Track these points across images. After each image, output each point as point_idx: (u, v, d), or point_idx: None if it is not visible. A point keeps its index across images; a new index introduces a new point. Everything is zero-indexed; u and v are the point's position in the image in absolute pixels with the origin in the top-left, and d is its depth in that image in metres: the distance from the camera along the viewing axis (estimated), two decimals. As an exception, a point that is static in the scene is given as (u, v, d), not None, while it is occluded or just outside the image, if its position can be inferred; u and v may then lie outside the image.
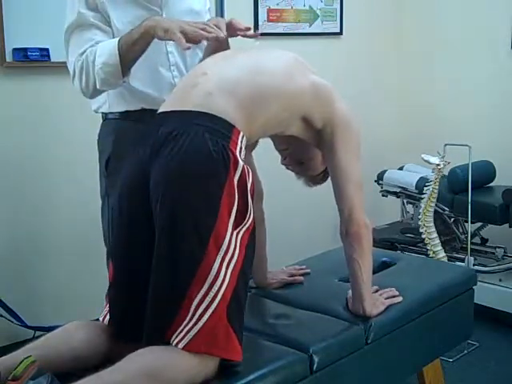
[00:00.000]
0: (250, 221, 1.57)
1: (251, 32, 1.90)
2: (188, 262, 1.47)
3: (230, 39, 1.93)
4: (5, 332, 2.81)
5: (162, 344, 1.48)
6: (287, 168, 2.00)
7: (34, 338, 1.72)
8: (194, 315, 1.47)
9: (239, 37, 1.92)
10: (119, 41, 1.89)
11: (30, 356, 1.44)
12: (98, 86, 1.94)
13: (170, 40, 1.83)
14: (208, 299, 1.47)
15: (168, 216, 1.49)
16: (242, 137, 1.59)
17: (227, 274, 1.49)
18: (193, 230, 1.47)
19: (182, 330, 1.47)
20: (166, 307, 1.49)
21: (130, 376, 1.42)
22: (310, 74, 1.80)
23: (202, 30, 1.80)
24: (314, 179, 2.03)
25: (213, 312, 1.47)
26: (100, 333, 1.62)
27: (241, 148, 1.57)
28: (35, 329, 2.80)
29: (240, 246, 1.53)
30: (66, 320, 1.67)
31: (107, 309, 1.66)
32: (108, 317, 1.65)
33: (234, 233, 1.52)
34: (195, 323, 1.47)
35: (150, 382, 1.42)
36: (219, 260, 1.48)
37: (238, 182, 1.52)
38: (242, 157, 1.57)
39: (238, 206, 1.52)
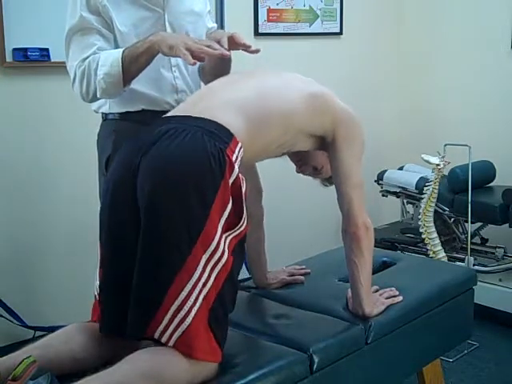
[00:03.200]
0: (242, 228, 1.57)
1: (252, 48, 1.92)
2: (174, 258, 1.45)
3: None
4: (5, 332, 2.81)
5: (144, 337, 1.48)
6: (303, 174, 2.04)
7: (34, 338, 1.73)
8: (177, 314, 1.45)
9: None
10: (123, 52, 1.90)
11: (30, 356, 1.44)
12: (98, 95, 1.95)
13: (176, 57, 1.85)
14: (191, 300, 1.45)
15: (158, 210, 1.47)
16: (240, 148, 1.58)
17: (212, 276, 1.48)
18: (183, 227, 1.45)
19: (167, 328, 1.46)
20: (148, 300, 1.47)
21: (130, 376, 1.42)
22: (305, 86, 1.80)
23: (208, 47, 1.81)
24: (330, 180, 2.04)
25: (196, 313, 1.46)
26: (100, 335, 1.62)
27: (237, 157, 1.57)
28: (35, 329, 2.80)
29: (228, 251, 1.52)
30: (66, 320, 1.67)
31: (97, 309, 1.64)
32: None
33: (224, 236, 1.51)
34: (179, 323, 1.45)
35: (150, 382, 1.42)
36: (204, 260, 1.46)
37: (232, 185, 1.52)
38: (238, 165, 1.56)
39: (230, 209, 1.51)
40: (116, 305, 1.56)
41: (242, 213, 1.55)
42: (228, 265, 1.52)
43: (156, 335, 1.47)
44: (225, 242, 1.51)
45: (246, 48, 1.91)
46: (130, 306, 1.51)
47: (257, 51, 1.91)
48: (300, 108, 1.74)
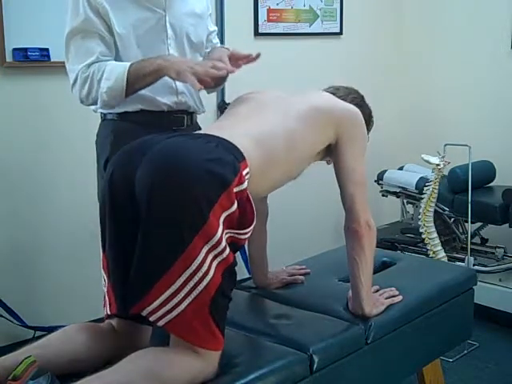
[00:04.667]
0: (243, 237, 1.58)
1: (252, 57, 1.99)
2: (175, 243, 1.46)
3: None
4: (5, 332, 2.81)
5: (133, 314, 1.50)
6: None
7: (34, 338, 1.73)
8: (174, 296, 1.46)
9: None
10: (129, 68, 1.92)
11: (30, 356, 1.44)
12: (98, 105, 1.99)
13: (183, 82, 1.92)
14: (188, 287, 1.46)
15: (163, 197, 1.47)
16: (247, 173, 1.59)
17: (212, 267, 1.48)
18: (187, 216, 1.46)
19: (158, 309, 1.47)
20: (142, 280, 1.48)
21: (130, 376, 1.42)
22: (305, 106, 1.82)
23: (212, 67, 1.87)
24: None
25: (193, 300, 1.46)
26: (100, 336, 1.62)
27: (245, 175, 1.58)
28: (35, 329, 2.80)
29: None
30: (66, 320, 1.67)
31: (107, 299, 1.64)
32: (108, 306, 1.63)
33: (225, 231, 1.52)
34: (175, 306, 1.46)
35: (151, 382, 1.42)
36: (205, 251, 1.47)
37: (240, 194, 1.53)
38: (246, 180, 1.58)
39: (234, 210, 1.52)
40: (124, 286, 1.55)
41: (246, 219, 1.57)
42: (229, 258, 1.52)
43: (144, 313, 1.48)
44: (225, 238, 1.52)
45: (248, 58, 1.98)
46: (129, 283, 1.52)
47: (257, 56, 1.97)
48: (303, 138, 1.77)
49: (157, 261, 1.47)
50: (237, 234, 1.57)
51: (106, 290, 1.63)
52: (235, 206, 1.52)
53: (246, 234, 1.59)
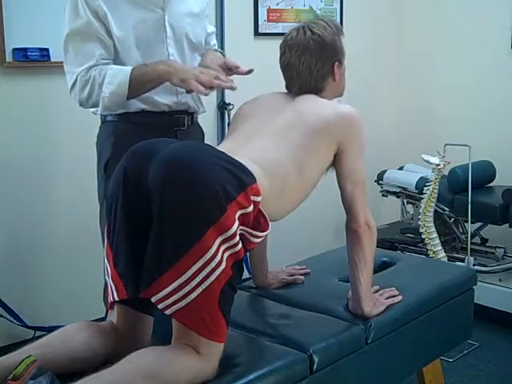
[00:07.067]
0: (254, 240, 1.60)
1: (244, 71, 2.06)
2: (191, 232, 1.47)
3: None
4: (5, 332, 2.81)
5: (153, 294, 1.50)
6: None
7: (34, 338, 1.73)
8: (185, 285, 1.46)
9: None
10: (131, 73, 1.93)
11: (31, 356, 1.44)
12: (99, 109, 1.99)
13: (186, 89, 1.94)
14: (200, 277, 1.47)
15: (183, 185, 1.48)
16: (258, 194, 1.60)
17: (223, 259, 1.50)
18: (207, 207, 1.47)
19: (171, 295, 1.47)
20: (155, 266, 1.49)
21: (130, 375, 1.42)
22: (304, 128, 1.82)
23: (215, 79, 1.90)
24: None
25: (204, 290, 1.47)
26: (100, 335, 1.62)
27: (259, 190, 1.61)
28: (35, 329, 2.80)
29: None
30: (66, 320, 1.67)
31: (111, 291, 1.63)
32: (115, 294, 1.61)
33: (239, 227, 1.53)
34: (185, 295, 1.47)
35: (150, 382, 1.42)
36: (218, 242, 1.48)
37: (253, 201, 1.56)
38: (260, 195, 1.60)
39: (249, 212, 1.54)
40: (134, 273, 1.55)
41: (261, 227, 1.60)
42: (240, 253, 1.54)
43: (153, 299, 1.49)
44: (239, 233, 1.54)
45: (240, 72, 2.06)
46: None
47: (249, 72, 2.04)
48: (312, 163, 1.80)
49: (171, 249, 1.48)
50: (249, 233, 1.58)
51: (109, 279, 1.62)
52: (251, 207, 1.55)
53: (257, 237, 1.61)
